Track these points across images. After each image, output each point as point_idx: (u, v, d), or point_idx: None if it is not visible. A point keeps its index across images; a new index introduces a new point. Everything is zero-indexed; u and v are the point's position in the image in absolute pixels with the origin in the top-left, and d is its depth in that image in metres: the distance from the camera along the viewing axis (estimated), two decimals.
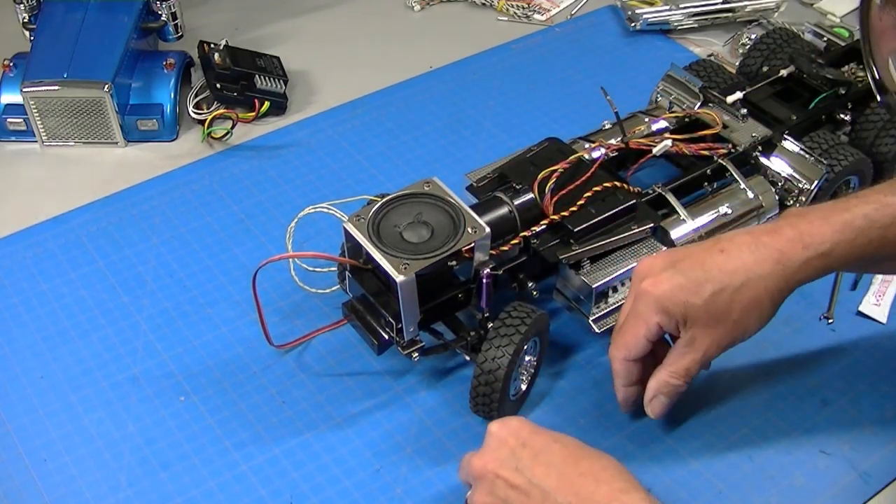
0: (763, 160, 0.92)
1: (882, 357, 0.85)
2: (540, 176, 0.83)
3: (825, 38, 1.12)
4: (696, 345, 0.72)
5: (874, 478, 0.76)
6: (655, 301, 0.71)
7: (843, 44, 1.10)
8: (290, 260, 0.91)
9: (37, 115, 1.03)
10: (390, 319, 0.76)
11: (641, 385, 0.76)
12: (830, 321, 0.87)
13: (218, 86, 1.07)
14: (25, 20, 1.09)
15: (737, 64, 1.09)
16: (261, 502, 0.75)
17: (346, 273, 0.80)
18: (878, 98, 0.63)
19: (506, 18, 1.26)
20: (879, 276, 0.90)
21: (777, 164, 0.92)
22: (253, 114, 1.07)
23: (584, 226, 0.81)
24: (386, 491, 0.76)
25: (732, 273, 0.70)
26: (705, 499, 0.75)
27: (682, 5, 1.22)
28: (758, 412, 0.81)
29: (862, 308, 0.88)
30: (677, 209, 0.86)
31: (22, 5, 1.08)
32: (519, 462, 0.65)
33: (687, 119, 0.95)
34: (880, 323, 0.87)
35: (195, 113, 1.08)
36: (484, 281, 0.77)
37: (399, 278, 0.72)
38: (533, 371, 0.81)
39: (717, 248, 0.72)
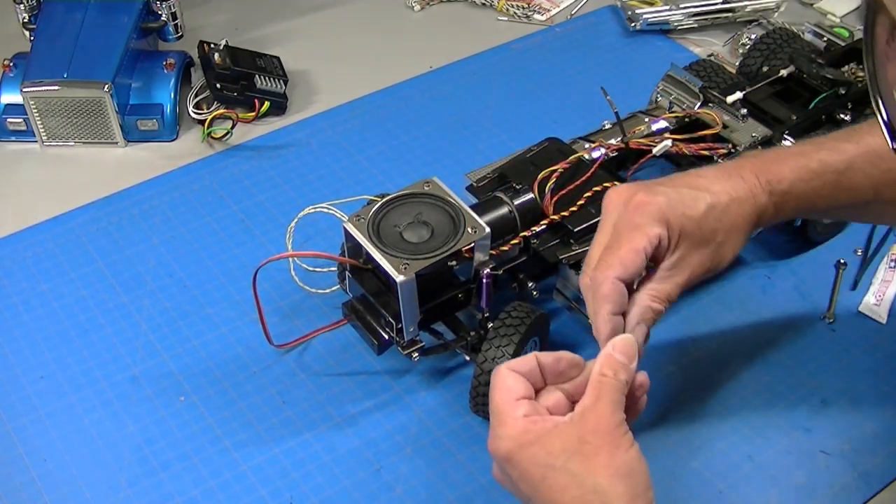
0: None
1: (882, 357, 0.85)
2: (540, 176, 0.83)
3: (825, 38, 1.12)
4: (682, 266, 0.69)
5: (874, 478, 0.76)
6: (657, 210, 0.67)
7: (843, 44, 1.10)
8: (290, 260, 0.91)
9: (37, 115, 1.03)
10: (390, 319, 0.76)
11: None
12: (830, 321, 0.87)
13: (218, 86, 1.07)
14: (25, 20, 1.09)
15: (737, 64, 1.09)
16: (261, 502, 0.75)
17: (346, 273, 0.80)
18: (891, 145, 0.51)
19: (506, 18, 1.26)
20: (879, 276, 0.90)
21: None
22: (253, 114, 1.07)
23: (584, 226, 0.81)
24: (386, 491, 0.76)
25: (718, 193, 0.69)
26: (705, 499, 0.75)
27: (682, 5, 1.22)
28: (758, 412, 0.81)
29: (862, 308, 0.88)
30: None
31: (22, 5, 1.08)
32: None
33: (687, 119, 0.95)
34: (880, 323, 0.87)
35: (195, 113, 1.08)
36: (484, 281, 0.77)
37: (399, 278, 0.72)
38: None
39: (693, 174, 0.71)
